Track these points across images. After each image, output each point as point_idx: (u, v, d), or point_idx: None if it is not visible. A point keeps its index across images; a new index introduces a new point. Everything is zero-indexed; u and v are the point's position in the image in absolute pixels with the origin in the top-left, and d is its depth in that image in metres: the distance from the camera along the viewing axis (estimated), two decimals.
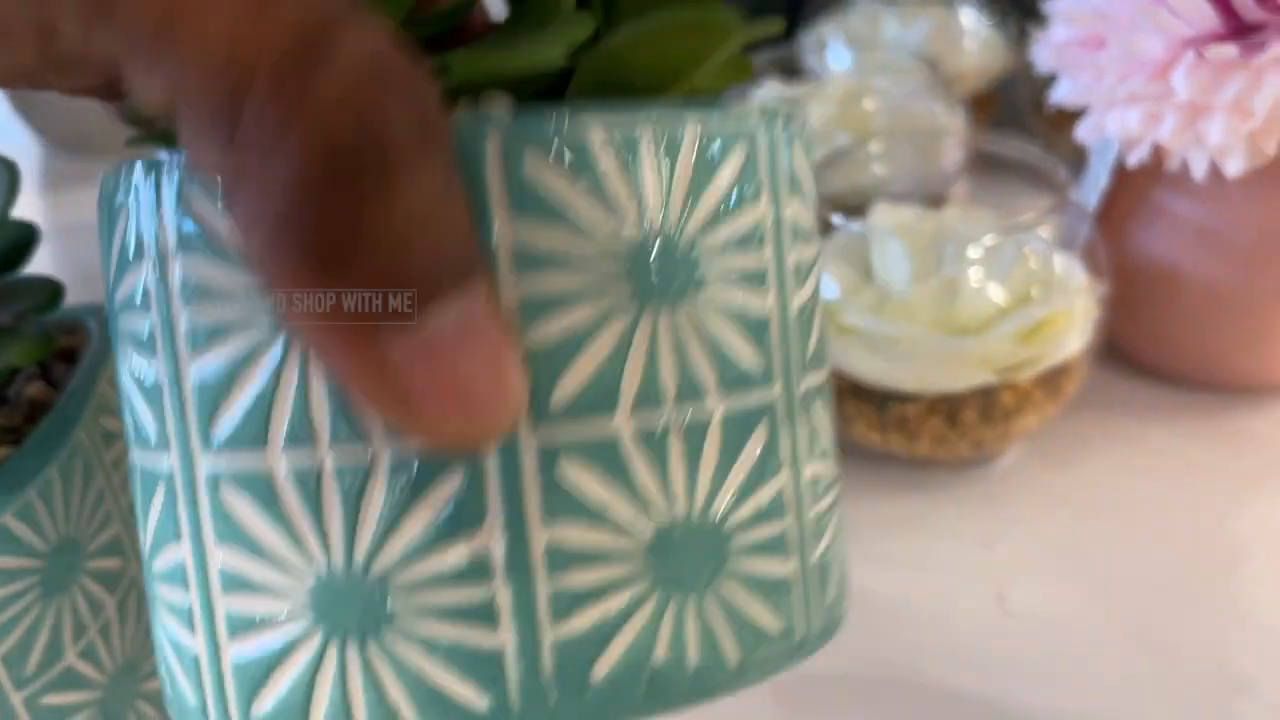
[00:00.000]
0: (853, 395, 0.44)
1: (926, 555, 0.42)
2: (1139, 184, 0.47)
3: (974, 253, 0.43)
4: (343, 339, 0.13)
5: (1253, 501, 0.43)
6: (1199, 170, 0.41)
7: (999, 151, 0.49)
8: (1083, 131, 0.44)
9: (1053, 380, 0.44)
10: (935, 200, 0.54)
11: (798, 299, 0.19)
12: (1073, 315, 0.43)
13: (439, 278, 0.13)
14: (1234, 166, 0.40)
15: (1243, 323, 0.46)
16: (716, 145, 0.17)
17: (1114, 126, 0.42)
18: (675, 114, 0.17)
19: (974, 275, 0.43)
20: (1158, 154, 0.43)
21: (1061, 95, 0.45)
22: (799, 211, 0.19)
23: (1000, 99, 0.71)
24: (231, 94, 0.12)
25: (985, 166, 0.53)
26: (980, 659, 0.37)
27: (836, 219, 0.43)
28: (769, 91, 0.61)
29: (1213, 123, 0.40)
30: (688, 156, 0.16)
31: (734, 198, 0.17)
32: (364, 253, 0.13)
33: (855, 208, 0.47)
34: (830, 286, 0.44)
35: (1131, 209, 0.48)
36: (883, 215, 0.46)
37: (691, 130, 0.17)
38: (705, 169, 0.17)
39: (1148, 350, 0.50)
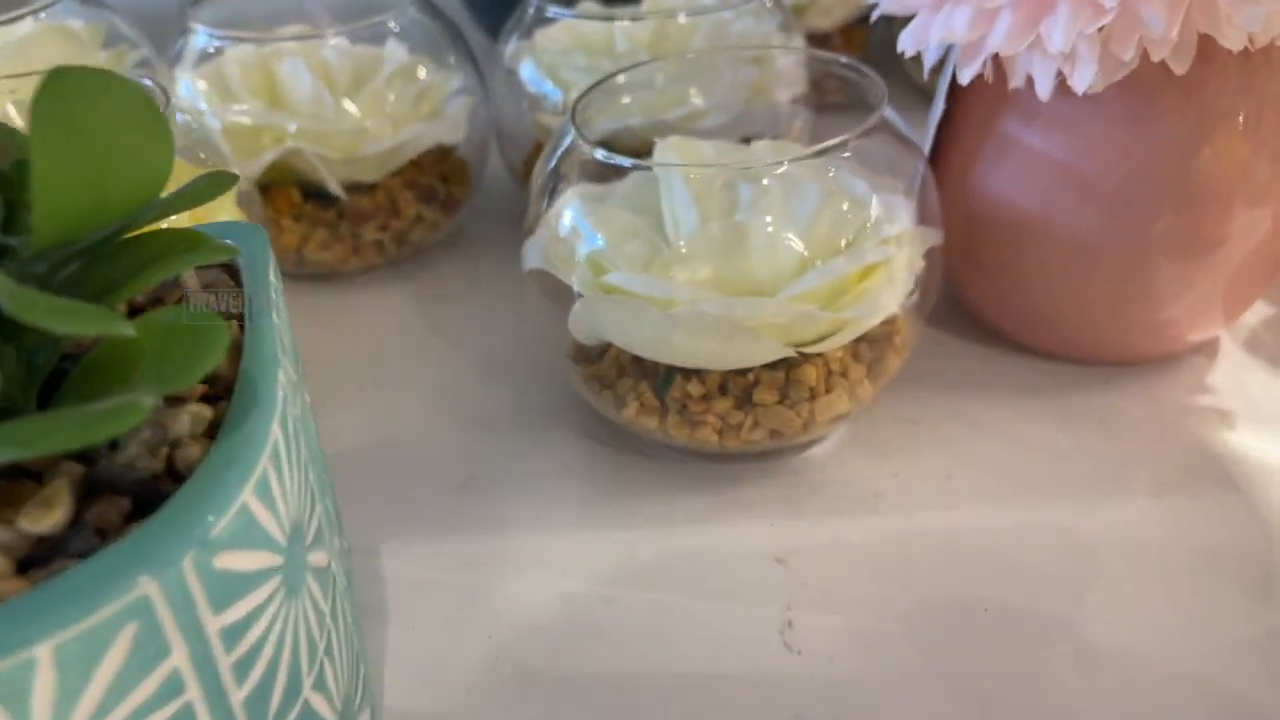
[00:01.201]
0: (627, 371, 0.35)
1: (703, 572, 0.33)
2: (980, 109, 0.39)
3: (768, 193, 0.34)
4: None
5: (1108, 501, 0.35)
6: (1043, 87, 0.33)
7: (825, 70, 0.40)
8: (904, 40, 0.35)
9: (872, 352, 0.35)
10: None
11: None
12: (892, 271, 0.34)
13: None
14: (1083, 79, 0.32)
15: (1107, 283, 0.38)
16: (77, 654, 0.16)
17: (939, 32, 0.33)
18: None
19: (766, 220, 0.34)
20: (999, 69, 0.34)
21: (886, 1, 0.36)
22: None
23: (870, 32, 0.62)
24: None
25: (833, 104, 0.44)
26: (761, 704, 0.29)
27: (600, 154, 0.34)
28: (586, 9, 0.51)
29: (1055, 20, 0.31)
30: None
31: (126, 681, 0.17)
32: None
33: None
34: (594, 235, 0.35)
35: (973, 141, 0.39)
36: (670, 150, 0.37)
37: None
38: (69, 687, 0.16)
39: (995, 314, 0.41)
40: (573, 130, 0.35)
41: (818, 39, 0.60)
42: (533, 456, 0.38)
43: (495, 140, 0.51)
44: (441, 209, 0.48)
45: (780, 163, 0.33)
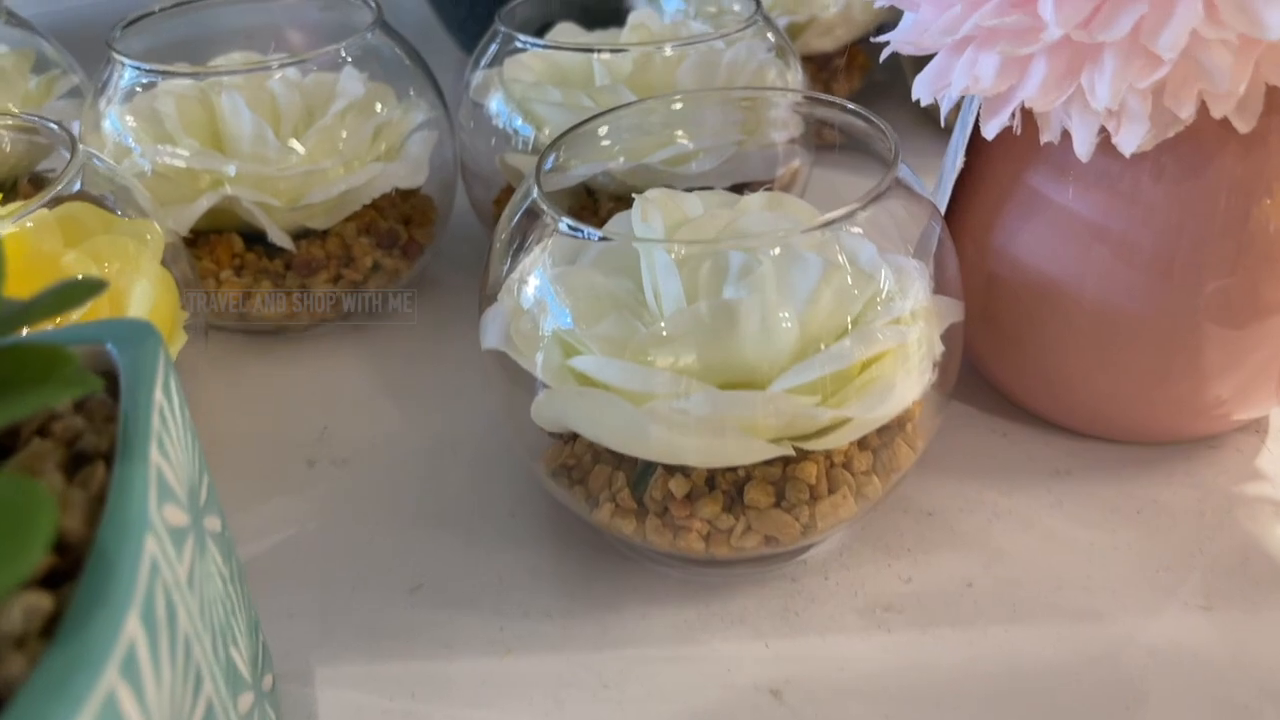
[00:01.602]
0: (601, 459, 0.31)
1: (685, 709, 0.29)
2: (1006, 164, 0.34)
3: (761, 264, 0.30)
4: None
5: (1152, 616, 0.30)
6: (1083, 146, 0.28)
7: (827, 116, 0.35)
8: (919, 88, 0.30)
9: (880, 439, 0.31)
10: (758, 188, 0.41)
11: None
12: (906, 356, 0.29)
13: None
14: (1131, 140, 0.27)
15: (1147, 356, 0.33)
16: None
17: (962, 79, 0.29)
18: None
19: (759, 298, 0.29)
20: (1028, 119, 0.30)
21: (898, 37, 0.31)
22: None
23: (875, 54, 0.57)
24: None
25: (833, 142, 0.39)
26: None
27: (564, 225, 0.29)
28: (563, 32, 0.47)
29: (1101, 72, 0.26)
30: None
31: None
32: None
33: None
34: (562, 310, 0.30)
35: (996, 196, 0.34)
36: (652, 208, 0.33)
37: None
38: None
39: (1018, 387, 0.37)
40: (535, 191, 0.30)
41: (818, 61, 0.56)
42: (493, 556, 0.34)
43: (461, 178, 0.46)
44: (402, 255, 0.43)
45: (777, 240, 0.28)
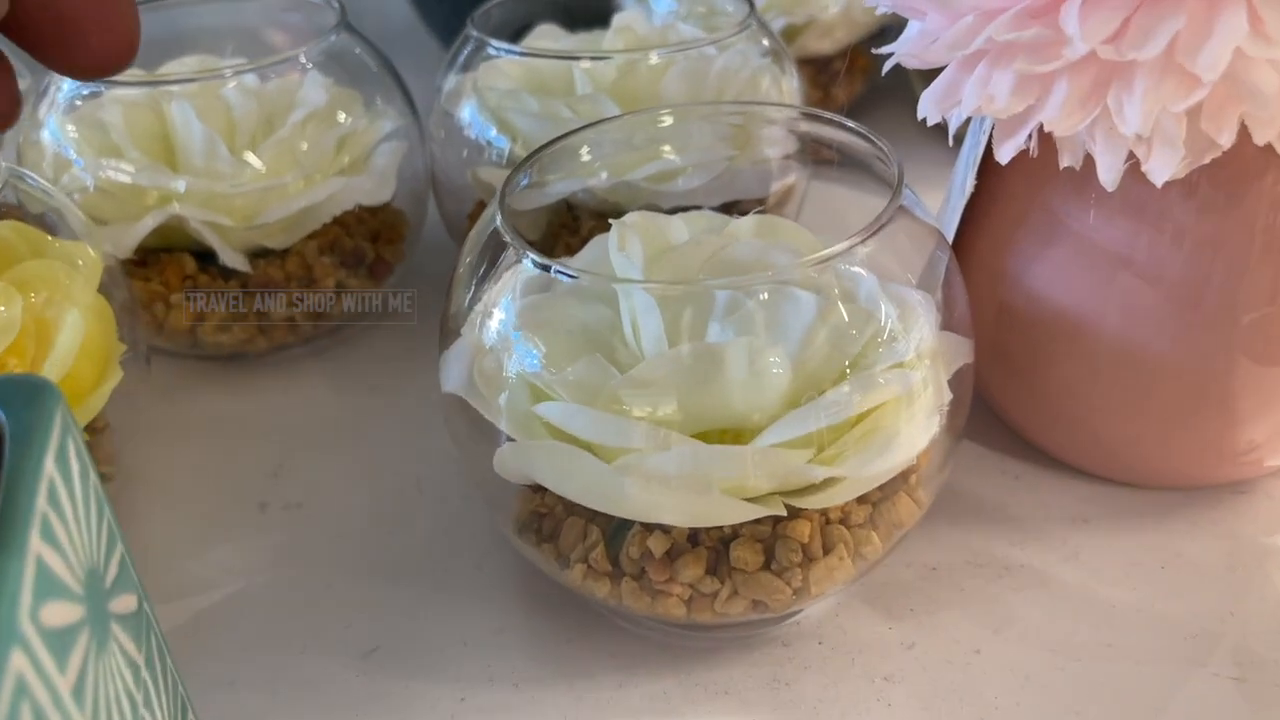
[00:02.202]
0: (574, 511, 0.28)
1: None
2: (1021, 187, 0.31)
3: (750, 302, 0.27)
4: None
5: (1178, 688, 0.27)
6: (1109, 174, 0.25)
7: (825, 135, 0.32)
8: (926, 106, 0.27)
9: (884, 497, 0.28)
10: (749, 209, 0.38)
11: None
12: (910, 403, 0.26)
13: None
14: (1163, 168, 0.24)
15: (1173, 395, 0.30)
16: None
17: (973, 99, 0.26)
18: None
19: (746, 341, 0.26)
20: (1046, 142, 0.27)
21: (902, 49, 0.28)
22: None
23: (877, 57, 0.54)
24: None
25: (830, 160, 0.36)
26: None
27: (529, 261, 0.26)
28: (541, 38, 0.43)
29: (1130, 93, 0.23)
30: None
31: None
32: None
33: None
34: (528, 350, 0.27)
35: (1009, 221, 0.31)
36: (631, 234, 0.30)
37: None
38: None
39: (1031, 426, 0.34)
40: (499, 219, 0.27)
41: (817, 64, 0.53)
42: (457, 614, 0.31)
43: (433, 191, 0.43)
44: (369, 275, 0.41)
45: (767, 280, 0.26)
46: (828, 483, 0.26)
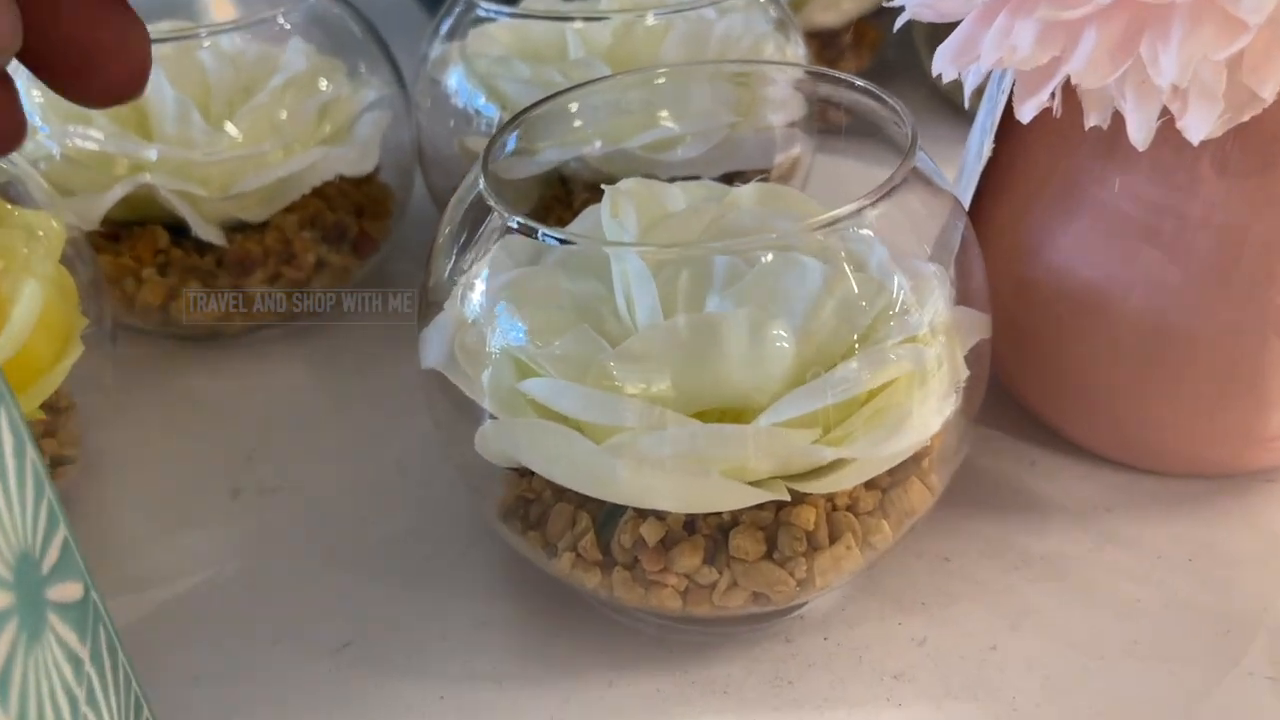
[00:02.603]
0: (563, 496, 0.26)
1: None
2: (1042, 152, 0.29)
3: (752, 271, 0.25)
4: None
5: (1211, 690, 0.25)
6: (1140, 131, 0.23)
7: (832, 95, 0.30)
8: (941, 61, 0.25)
9: (894, 482, 0.26)
10: (753, 178, 0.36)
11: None
12: (923, 382, 0.25)
13: None
14: (1200, 124, 0.22)
15: (1204, 376, 0.28)
16: None
17: (993, 51, 0.24)
18: None
19: (747, 311, 0.24)
20: (1070, 98, 0.25)
21: (914, 2, 0.26)
22: None
23: (885, 29, 0.52)
24: None
25: (839, 125, 0.34)
26: None
27: (514, 222, 0.25)
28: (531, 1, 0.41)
29: (1166, 40, 0.22)
30: None
31: None
32: None
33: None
34: (513, 323, 0.25)
35: (1029, 189, 0.29)
36: (622, 202, 0.28)
37: None
38: None
39: (1052, 409, 0.32)
40: (482, 182, 0.26)
41: (823, 37, 0.51)
42: (437, 606, 0.29)
43: (419, 164, 0.41)
44: (352, 251, 0.39)
45: (770, 243, 0.24)
46: (835, 465, 0.24)
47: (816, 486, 0.24)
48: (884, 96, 0.27)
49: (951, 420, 0.26)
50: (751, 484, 0.24)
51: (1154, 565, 0.29)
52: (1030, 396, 0.32)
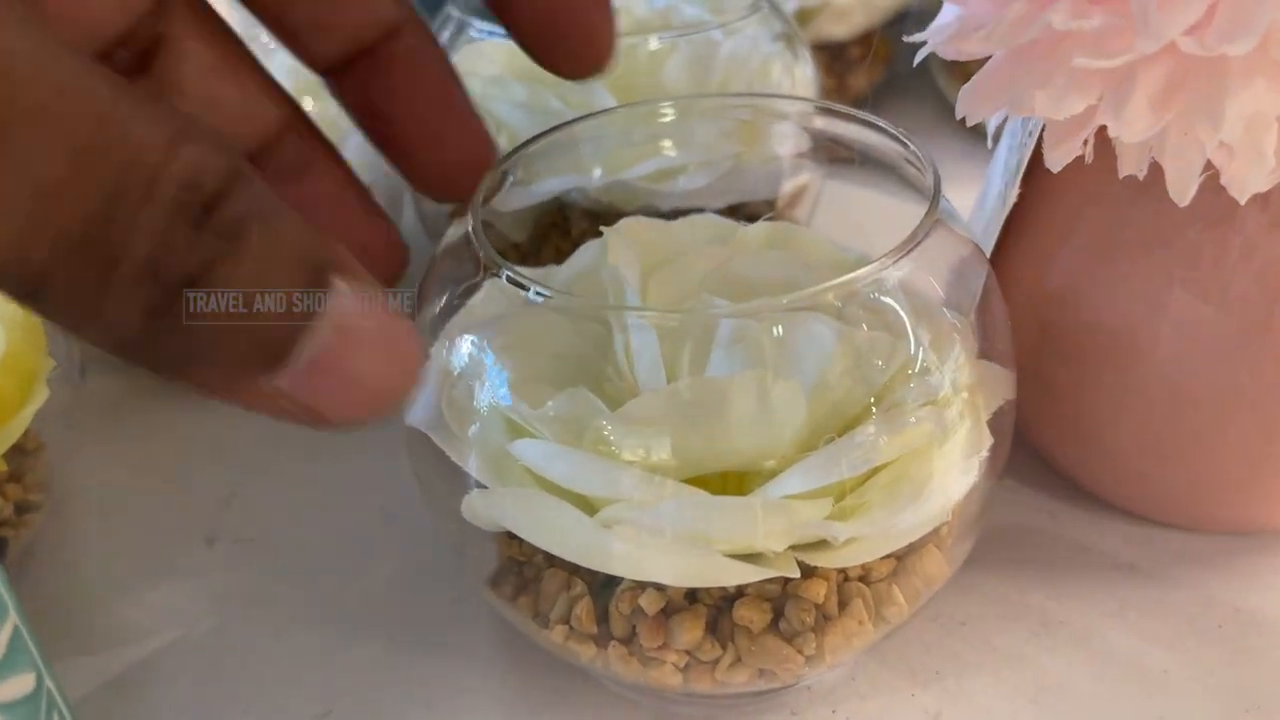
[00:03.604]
0: (557, 563, 0.24)
1: None
2: (1071, 199, 0.27)
3: (757, 332, 0.23)
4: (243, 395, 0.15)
5: None
6: (1182, 188, 0.21)
7: (847, 134, 0.29)
8: (966, 104, 0.24)
9: (910, 549, 0.24)
10: (757, 211, 0.34)
11: None
12: (946, 443, 0.23)
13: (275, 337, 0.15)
14: (1250, 181, 0.21)
15: (1236, 432, 0.27)
16: None
17: (1023, 99, 0.22)
18: None
19: (756, 374, 0.22)
20: (1103, 146, 0.23)
21: (937, 37, 0.24)
22: None
23: (897, 42, 0.50)
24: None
25: (850, 160, 0.32)
26: None
27: (504, 273, 0.23)
28: None
29: (1217, 95, 0.20)
30: None
31: None
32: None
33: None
34: (501, 378, 0.24)
35: (1054, 232, 0.28)
36: (621, 247, 0.26)
37: None
38: None
39: (1075, 462, 0.31)
40: (470, 225, 0.24)
41: (831, 50, 0.49)
42: (422, 670, 0.27)
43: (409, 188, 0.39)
44: None
45: (781, 309, 0.22)
46: (843, 544, 0.23)
47: (829, 560, 0.23)
48: (903, 139, 0.25)
49: (975, 486, 0.24)
50: (757, 556, 0.22)
51: (1181, 632, 0.27)
52: (1053, 449, 0.31)
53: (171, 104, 0.15)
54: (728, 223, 0.29)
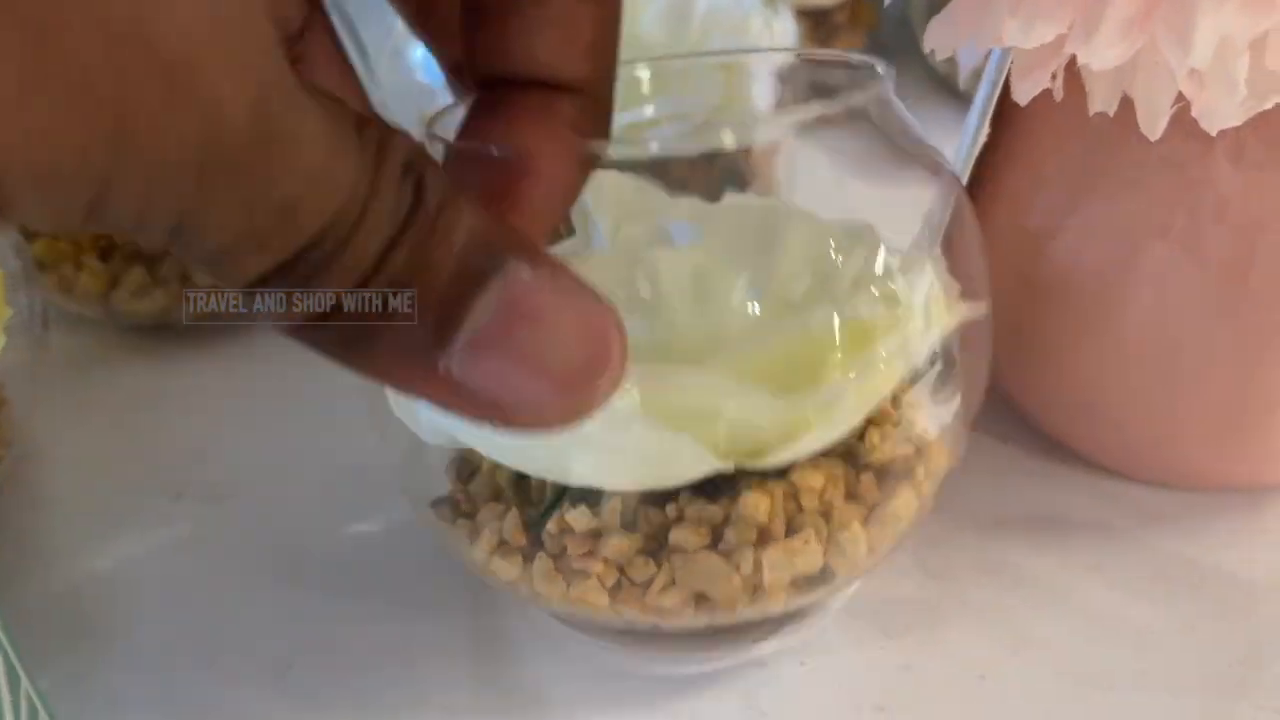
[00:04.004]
0: (502, 494, 0.24)
1: None
2: (1040, 135, 0.27)
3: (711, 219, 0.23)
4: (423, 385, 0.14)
5: (1229, 717, 0.23)
6: (1152, 121, 0.21)
7: (814, 77, 0.28)
8: (934, 36, 0.23)
9: (881, 489, 0.23)
10: (733, 164, 0.33)
11: None
12: (901, 336, 0.22)
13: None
14: (1219, 113, 0.20)
15: (1214, 385, 0.26)
16: None
17: (991, 26, 0.21)
18: None
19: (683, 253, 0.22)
20: (1073, 83, 0.22)
21: None
22: None
23: (879, 7, 0.50)
24: None
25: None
26: None
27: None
28: None
29: (1186, 18, 0.19)
30: None
31: None
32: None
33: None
34: None
35: (1028, 179, 0.27)
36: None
37: None
38: None
39: (1051, 417, 0.30)
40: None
41: (815, 17, 0.48)
42: (393, 627, 0.27)
43: None
44: None
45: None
46: (788, 434, 0.22)
47: (770, 459, 0.22)
48: (852, 59, 0.24)
49: (947, 428, 0.24)
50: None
51: (1159, 587, 0.27)
52: (1030, 403, 0.30)
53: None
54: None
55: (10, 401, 0.30)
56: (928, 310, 0.23)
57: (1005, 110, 0.26)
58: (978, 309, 0.24)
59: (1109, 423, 0.28)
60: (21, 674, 0.20)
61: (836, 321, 0.21)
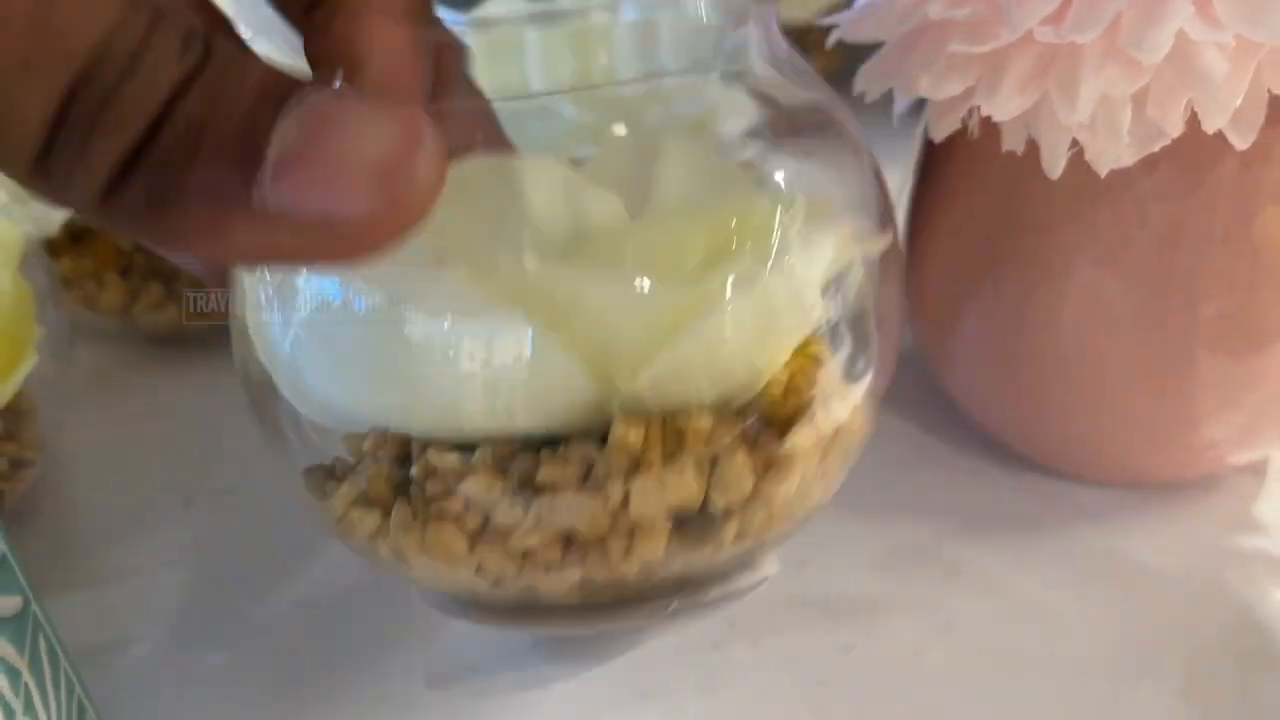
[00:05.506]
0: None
1: None
2: (967, 168, 0.29)
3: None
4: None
5: (1124, 702, 0.26)
6: (1052, 163, 0.24)
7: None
8: (863, 80, 0.26)
9: (774, 432, 0.21)
10: None
11: None
12: (782, 236, 0.21)
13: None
14: (1105, 158, 0.23)
15: (1132, 388, 0.29)
16: None
17: (908, 79, 0.24)
18: None
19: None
20: (987, 124, 0.25)
21: (847, 21, 0.27)
22: None
23: None
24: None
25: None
26: None
27: None
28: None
29: (1071, 79, 0.22)
30: None
31: None
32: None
33: None
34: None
35: (962, 208, 0.30)
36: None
37: None
38: None
39: (982, 414, 0.33)
40: None
41: (792, 34, 0.50)
42: (386, 611, 0.30)
43: None
44: None
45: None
46: (678, 371, 0.20)
47: (647, 377, 0.20)
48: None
49: (860, 394, 0.23)
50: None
51: (1079, 577, 0.29)
52: (966, 404, 0.33)
53: None
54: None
55: (40, 410, 0.33)
56: (821, 242, 0.21)
57: (941, 148, 0.28)
58: (884, 236, 0.23)
59: (1037, 423, 0.31)
60: (76, 680, 0.23)
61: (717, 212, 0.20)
